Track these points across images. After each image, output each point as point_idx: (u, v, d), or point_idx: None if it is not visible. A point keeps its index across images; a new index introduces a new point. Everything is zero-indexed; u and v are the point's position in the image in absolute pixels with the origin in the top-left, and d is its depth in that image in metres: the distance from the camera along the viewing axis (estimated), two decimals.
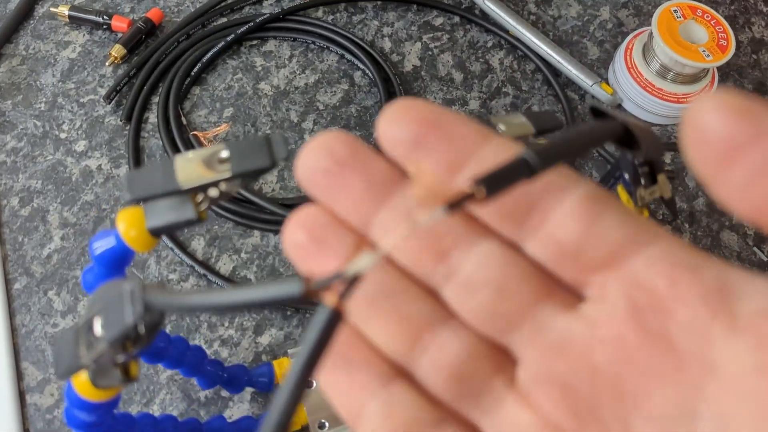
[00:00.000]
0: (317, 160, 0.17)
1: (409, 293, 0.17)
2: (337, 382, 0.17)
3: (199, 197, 0.23)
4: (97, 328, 0.19)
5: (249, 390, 0.41)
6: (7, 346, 0.41)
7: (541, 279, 0.16)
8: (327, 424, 0.39)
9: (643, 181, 0.28)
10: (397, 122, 0.17)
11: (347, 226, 0.18)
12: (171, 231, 0.24)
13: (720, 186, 0.13)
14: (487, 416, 0.16)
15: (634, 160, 0.26)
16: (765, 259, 0.50)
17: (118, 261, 0.25)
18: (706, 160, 0.13)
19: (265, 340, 0.43)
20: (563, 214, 0.16)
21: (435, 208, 0.14)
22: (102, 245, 0.25)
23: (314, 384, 0.40)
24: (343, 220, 0.18)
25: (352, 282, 0.13)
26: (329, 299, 0.13)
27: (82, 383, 0.23)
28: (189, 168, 0.22)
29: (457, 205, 0.14)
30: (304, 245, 0.17)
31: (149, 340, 0.19)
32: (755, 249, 0.50)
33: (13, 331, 0.42)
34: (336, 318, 0.13)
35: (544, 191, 0.16)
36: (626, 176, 0.29)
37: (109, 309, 0.18)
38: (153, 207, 0.23)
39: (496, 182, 0.14)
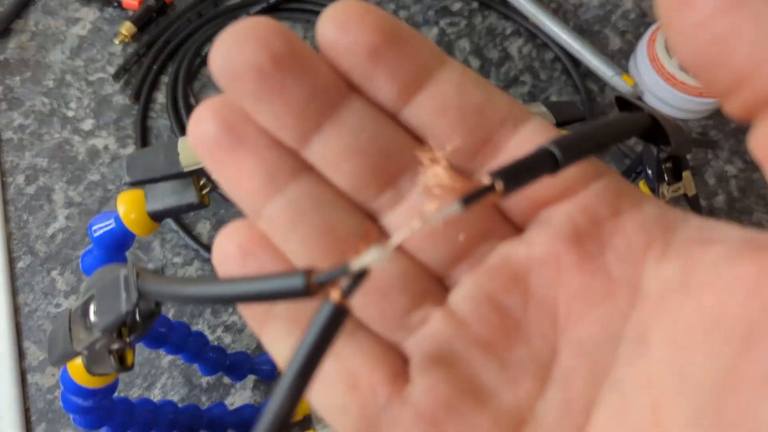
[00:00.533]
0: (247, 53, 0.14)
1: (346, 211, 0.16)
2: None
3: (202, 181, 0.22)
4: (91, 314, 0.18)
5: (251, 377, 0.41)
6: (9, 325, 0.40)
7: (491, 213, 0.16)
8: None
9: (666, 178, 0.27)
10: (351, 27, 0.14)
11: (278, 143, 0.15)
12: (172, 215, 0.23)
13: (673, 28, 0.12)
14: (410, 336, 0.15)
15: (659, 155, 0.24)
16: None
17: (118, 244, 0.24)
18: (669, 2, 0.12)
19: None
20: (516, 148, 0.15)
21: (447, 201, 0.13)
22: (101, 227, 0.24)
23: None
24: (274, 136, 0.15)
25: (358, 278, 0.12)
26: (333, 294, 0.12)
27: (77, 369, 0.23)
28: (192, 150, 0.21)
29: (473, 199, 0.13)
30: (217, 138, 0.15)
31: (145, 329, 0.18)
32: None
33: (16, 310, 0.41)
34: (340, 314, 0.12)
35: (499, 125, 0.16)
36: (649, 172, 0.28)
37: (104, 295, 0.17)
38: (154, 190, 0.23)
39: (516, 176, 0.13)
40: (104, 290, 0.17)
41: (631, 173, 0.32)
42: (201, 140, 0.15)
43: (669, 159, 0.26)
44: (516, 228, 0.16)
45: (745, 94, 0.12)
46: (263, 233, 0.16)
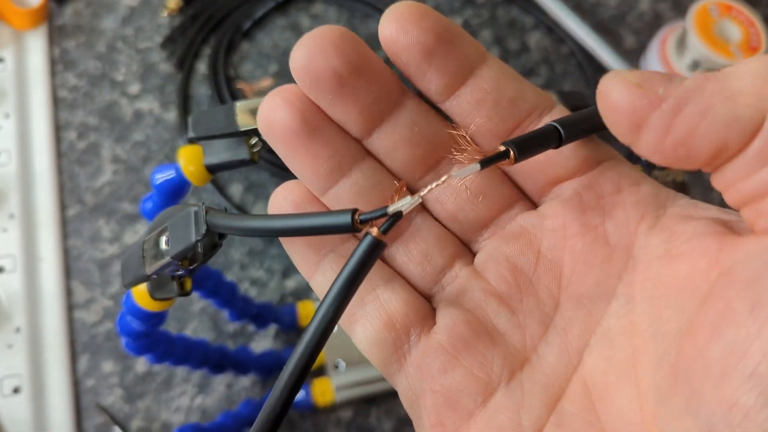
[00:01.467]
0: (326, 58, 0.16)
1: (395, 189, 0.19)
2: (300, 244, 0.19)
3: (253, 140, 0.25)
4: (163, 244, 0.21)
5: (273, 328, 0.45)
6: (60, 265, 0.45)
7: (510, 188, 0.19)
8: (344, 363, 0.42)
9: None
10: (409, 28, 0.16)
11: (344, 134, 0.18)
12: (226, 169, 0.26)
13: (638, 147, 0.15)
14: (442, 288, 0.19)
15: None
16: None
17: (176, 192, 0.28)
18: (621, 130, 0.15)
19: (291, 283, 0.47)
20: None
21: (471, 165, 0.16)
22: (163, 176, 0.28)
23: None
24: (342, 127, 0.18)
25: (394, 218, 0.16)
26: (373, 230, 0.16)
27: (141, 293, 0.26)
28: (248, 113, 0.24)
29: (489, 162, 0.16)
30: (294, 128, 0.17)
31: (205, 260, 0.21)
32: None
33: (65, 252, 0.46)
34: (378, 245, 0.16)
35: (528, 114, 0.18)
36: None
37: (176, 227, 0.20)
38: (211, 146, 0.26)
39: (526, 146, 0.16)
40: (176, 223, 0.21)
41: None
42: (275, 128, 0.18)
43: None
44: (533, 203, 0.19)
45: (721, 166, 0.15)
46: (313, 193, 0.19)
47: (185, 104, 0.51)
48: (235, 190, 0.49)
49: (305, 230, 0.17)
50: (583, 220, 0.18)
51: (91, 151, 0.49)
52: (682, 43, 0.54)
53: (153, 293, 0.26)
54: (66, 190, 0.48)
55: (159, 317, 0.29)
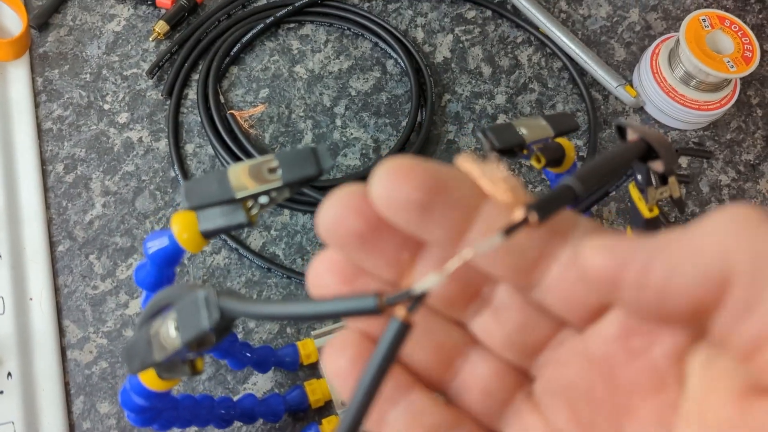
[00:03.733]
0: (347, 222, 0.17)
1: (443, 325, 0.18)
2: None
3: (249, 203, 0.24)
4: (171, 330, 0.20)
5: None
6: (51, 305, 0.43)
7: (555, 323, 0.18)
8: None
9: (654, 182, 0.30)
10: (401, 185, 0.16)
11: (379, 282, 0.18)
12: (222, 233, 0.25)
13: (621, 307, 0.16)
14: (508, 426, 0.18)
15: (648, 166, 0.28)
16: None
17: (170, 259, 0.26)
18: (603, 292, 0.16)
19: None
20: (565, 261, 0.17)
21: (515, 212, 0.16)
22: (156, 245, 0.26)
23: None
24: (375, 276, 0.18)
25: (419, 298, 0.15)
26: (400, 312, 0.15)
27: (147, 375, 0.25)
28: (241, 178, 0.23)
29: (513, 230, 0.15)
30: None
31: (218, 341, 0.20)
32: None
33: (56, 290, 0.44)
34: (405, 329, 0.15)
35: (546, 240, 0.17)
36: (638, 177, 0.31)
37: (185, 312, 0.19)
38: (206, 211, 0.25)
39: (546, 208, 0.16)
40: (185, 308, 0.20)
41: (623, 176, 0.36)
42: (322, 289, 0.18)
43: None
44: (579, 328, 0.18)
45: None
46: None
47: (176, 132, 0.50)
48: None
49: (328, 315, 0.16)
50: (626, 347, 0.17)
51: (79, 183, 0.48)
52: (674, 56, 0.54)
53: (161, 374, 0.25)
54: (54, 226, 0.46)
55: (165, 394, 0.28)
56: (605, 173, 0.19)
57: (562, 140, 0.36)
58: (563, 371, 0.18)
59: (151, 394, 0.26)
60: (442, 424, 0.18)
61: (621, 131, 0.27)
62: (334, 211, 0.17)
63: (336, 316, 0.16)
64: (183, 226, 0.24)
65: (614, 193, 0.51)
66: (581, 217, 0.18)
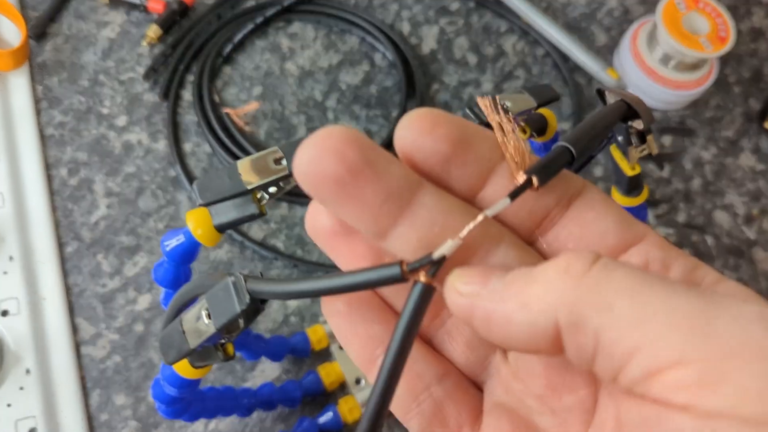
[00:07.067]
0: (325, 164, 0.15)
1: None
2: (355, 335, 0.19)
3: (259, 194, 0.26)
4: (204, 317, 0.21)
5: None
6: (63, 303, 0.45)
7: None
8: (363, 381, 0.43)
9: (633, 142, 0.32)
10: (425, 137, 0.16)
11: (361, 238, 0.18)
12: (235, 226, 0.27)
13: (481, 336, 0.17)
14: (489, 378, 0.20)
15: (627, 126, 0.29)
16: (752, 237, 0.54)
17: (187, 256, 0.28)
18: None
19: (292, 303, 0.47)
20: (571, 221, 0.18)
21: (519, 175, 0.17)
22: (173, 242, 0.27)
23: None
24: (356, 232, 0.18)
25: (439, 263, 0.16)
26: (422, 277, 0.16)
27: (181, 364, 0.27)
28: (249, 171, 0.25)
29: (517, 194, 0.17)
30: (334, 231, 0.18)
31: (248, 325, 0.21)
32: (743, 228, 0.54)
33: (67, 290, 0.46)
34: (429, 291, 0.16)
35: (554, 204, 0.18)
36: (619, 138, 0.33)
37: (216, 299, 0.20)
38: (217, 206, 0.26)
39: (546, 171, 0.17)
40: (215, 295, 0.20)
41: (606, 140, 0.38)
42: (319, 231, 0.19)
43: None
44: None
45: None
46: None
47: (175, 133, 0.52)
48: None
49: (354, 287, 0.17)
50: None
51: (83, 186, 0.50)
52: (652, 38, 0.56)
53: (194, 362, 0.26)
54: (62, 228, 0.48)
55: (196, 382, 0.29)
56: (594, 134, 0.20)
57: (543, 110, 0.37)
58: None
59: (183, 383, 0.27)
60: (431, 371, 0.19)
61: (602, 96, 0.29)
62: (311, 153, 0.15)
63: (362, 288, 0.17)
64: (197, 222, 0.25)
65: (599, 156, 0.53)
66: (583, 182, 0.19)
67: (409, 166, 0.17)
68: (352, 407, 0.42)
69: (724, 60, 0.60)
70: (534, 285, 0.15)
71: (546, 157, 0.18)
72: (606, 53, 0.60)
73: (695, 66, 0.55)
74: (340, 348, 0.45)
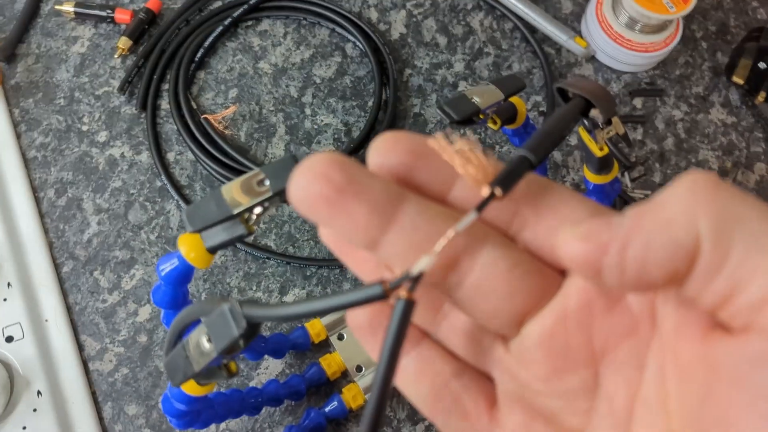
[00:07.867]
0: (315, 188, 0.17)
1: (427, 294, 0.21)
2: (377, 344, 0.21)
3: (245, 215, 0.27)
4: (204, 342, 0.23)
5: None
6: (66, 322, 0.46)
7: (538, 277, 0.20)
8: (363, 367, 0.45)
9: (600, 124, 0.34)
10: (391, 152, 0.19)
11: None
12: (226, 247, 0.28)
13: (607, 286, 0.17)
14: (496, 368, 0.21)
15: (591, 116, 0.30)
16: None
17: (182, 278, 0.29)
18: (588, 277, 0.17)
19: (289, 299, 0.49)
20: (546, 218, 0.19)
21: (484, 188, 0.18)
22: (167, 267, 0.29)
23: (345, 336, 0.46)
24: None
25: (417, 279, 0.17)
26: (403, 293, 0.18)
27: (187, 384, 0.28)
28: (234, 194, 0.26)
29: (483, 206, 0.18)
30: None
31: (247, 345, 0.22)
32: None
33: (69, 309, 0.47)
34: (411, 305, 0.18)
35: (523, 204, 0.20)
36: (585, 122, 0.34)
37: (214, 325, 0.22)
38: (208, 229, 0.27)
39: (508, 180, 0.18)
40: (213, 322, 0.22)
41: (564, 138, 0.39)
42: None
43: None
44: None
45: None
46: (386, 310, 0.21)
47: (156, 144, 0.52)
48: None
49: (342, 307, 0.18)
50: (604, 295, 0.19)
51: (72, 205, 0.50)
52: (617, 3, 0.56)
53: (199, 381, 0.27)
54: (56, 249, 0.49)
55: (202, 396, 0.31)
56: (553, 138, 0.22)
57: (512, 98, 0.38)
58: (536, 325, 0.20)
59: (191, 399, 0.29)
60: (448, 368, 0.21)
61: (563, 94, 0.30)
62: (301, 180, 0.18)
63: (350, 307, 0.18)
64: (190, 247, 0.27)
65: (576, 142, 0.54)
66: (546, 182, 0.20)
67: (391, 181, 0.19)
68: (355, 394, 0.44)
69: (690, 16, 0.61)
70: (668, 206, 0.16)
71: (507, 167, 0.19)
72: (573, 21, 0.61)
73: (661, 27, 0.56)
74: (339, 338, 0.47)
